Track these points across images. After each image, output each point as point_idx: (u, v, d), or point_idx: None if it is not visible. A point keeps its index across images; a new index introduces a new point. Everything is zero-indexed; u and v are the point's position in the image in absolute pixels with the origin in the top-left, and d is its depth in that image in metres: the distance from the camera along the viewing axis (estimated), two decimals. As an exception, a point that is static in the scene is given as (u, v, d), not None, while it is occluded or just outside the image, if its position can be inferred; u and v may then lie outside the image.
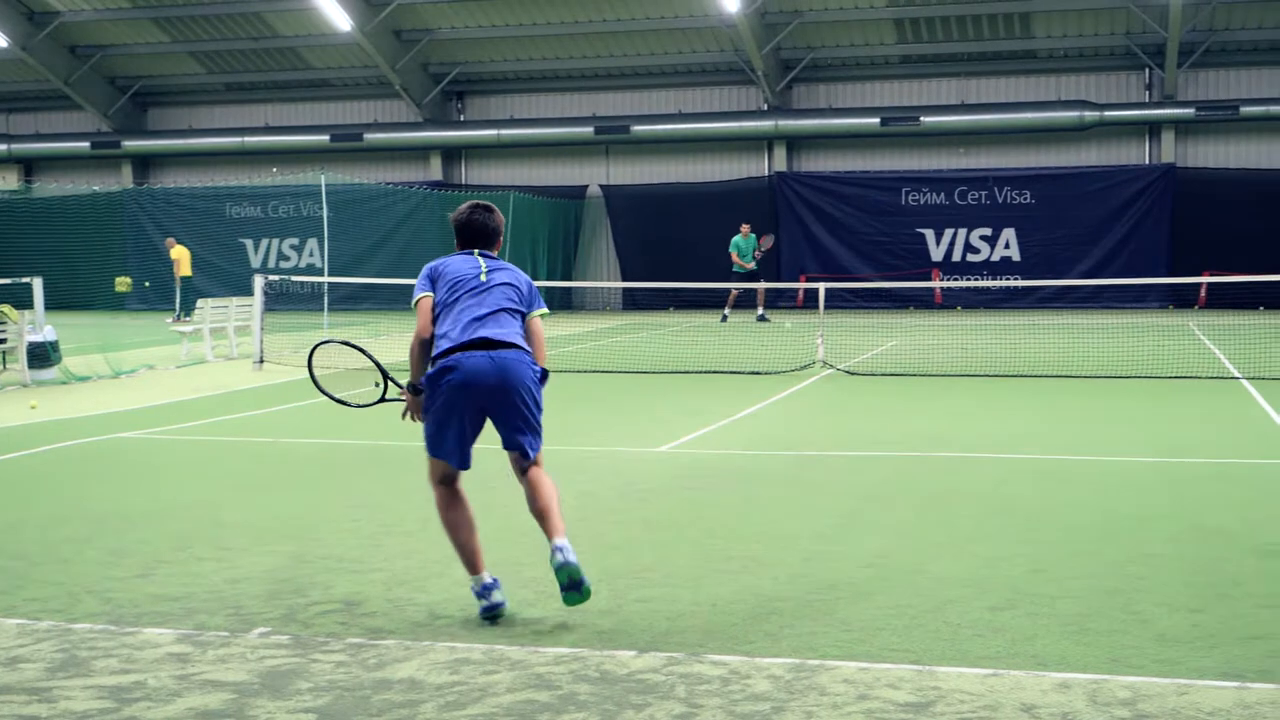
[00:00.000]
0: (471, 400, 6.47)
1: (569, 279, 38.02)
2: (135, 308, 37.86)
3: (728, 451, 11.74)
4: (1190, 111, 34.62)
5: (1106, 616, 6.31)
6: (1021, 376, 17.93)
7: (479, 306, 6.58)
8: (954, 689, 5.27)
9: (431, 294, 6.67)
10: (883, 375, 18.28)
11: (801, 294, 35.51)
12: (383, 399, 7.35)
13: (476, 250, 6.84)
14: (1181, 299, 34.39)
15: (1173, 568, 7.26)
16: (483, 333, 6.50)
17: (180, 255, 33.11)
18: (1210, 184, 34.53)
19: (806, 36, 36.22)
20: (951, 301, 36.03)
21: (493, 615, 6.35)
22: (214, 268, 37.65)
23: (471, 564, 6.49)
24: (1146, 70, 35.64)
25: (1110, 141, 36.15)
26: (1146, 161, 35.86)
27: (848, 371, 18.52)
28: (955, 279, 35.65)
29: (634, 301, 38.12)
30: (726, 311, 30.17)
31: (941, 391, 16.43)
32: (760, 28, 34.98)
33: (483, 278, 6.69)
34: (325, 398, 7.46)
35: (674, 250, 36.61)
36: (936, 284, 34.14)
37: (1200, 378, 17.37)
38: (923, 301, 35.88)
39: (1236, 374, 17.66)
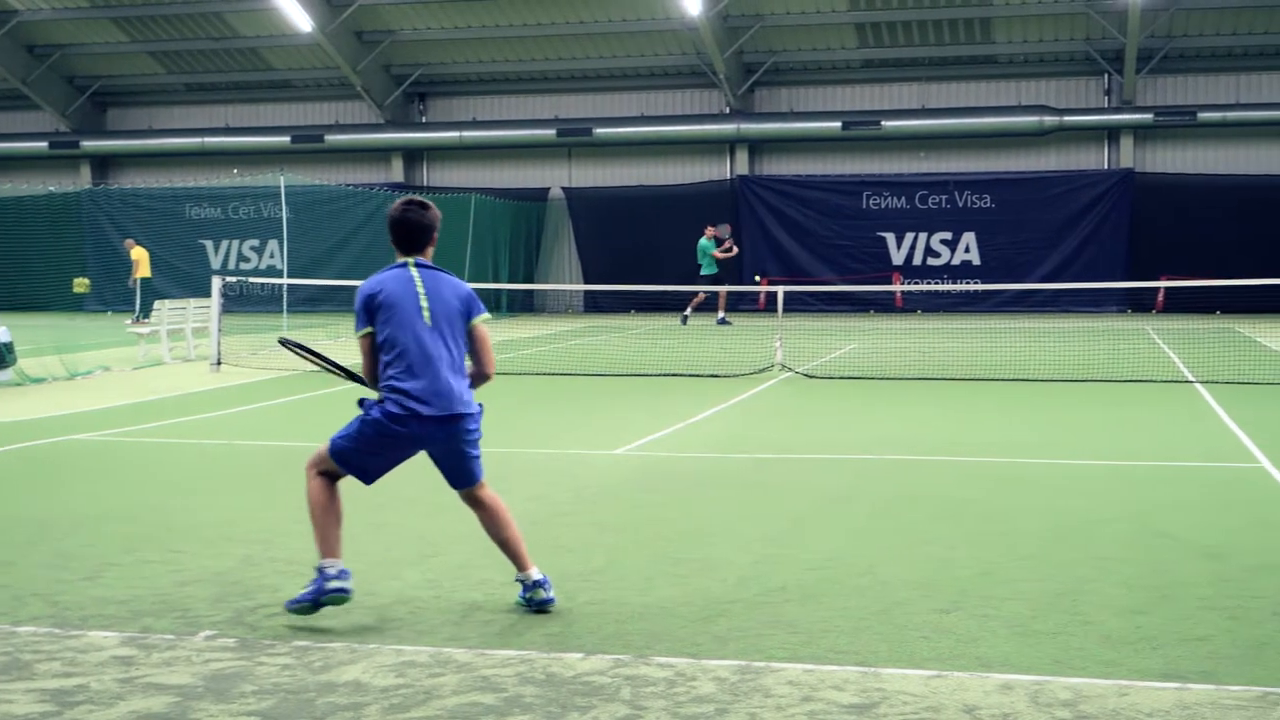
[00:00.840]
0: (415, 448, 6.53)
1: (530, 281, 37.99)
2: (93, 309, 37.63)
3: (683, 454, 11.76)
4: (1149, 117, 34.91)
5: (1052, 618, 6.35)
6: (979, 380, 18.02)
7: (423, 348, 6.40)
8: (898, 690, 5.29)
9: (371, 330, 6.50)
10: (841, 379, 18.34)
11: (763, 297, 35.57)
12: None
13: (412, 260, 6.59)
14: (1139, 303, 34.65)
15: (1120, 570, 7.31)
16: (432, 385, 6.36)
17: (140, 256, 32.94)
18: (1168, 189, 34.83)
19: (768, 40, 36.32)
20: (912, 305, 36.17)
21: (338, 600, 6.29)
22: (173, 269, 37.45)
23: (332, 548, 6.42)
24: (1106, 76, 35.91)
25: (1069, 146, 36.41)
26: (1105, 166, 36.14)
27: (806, 375, 18.57)
28: (916, 283, 35.82)
29: (595, 304, 38.13)
30: (688, 313, 30.16)
31: (899, 395, 16.50)
32: (722, 31, 35.06)
33: (423, 305, 6.46)
34: (325, 365, 7.05)
35: (636, 253, 36.64)
36: (897, 287, 34.29)
37: (1155, 381, 17.50)
38: (883, 305, 36.03)
39: (1191, 378, 17.80)
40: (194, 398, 16.56)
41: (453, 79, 39.84)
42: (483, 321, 6.63)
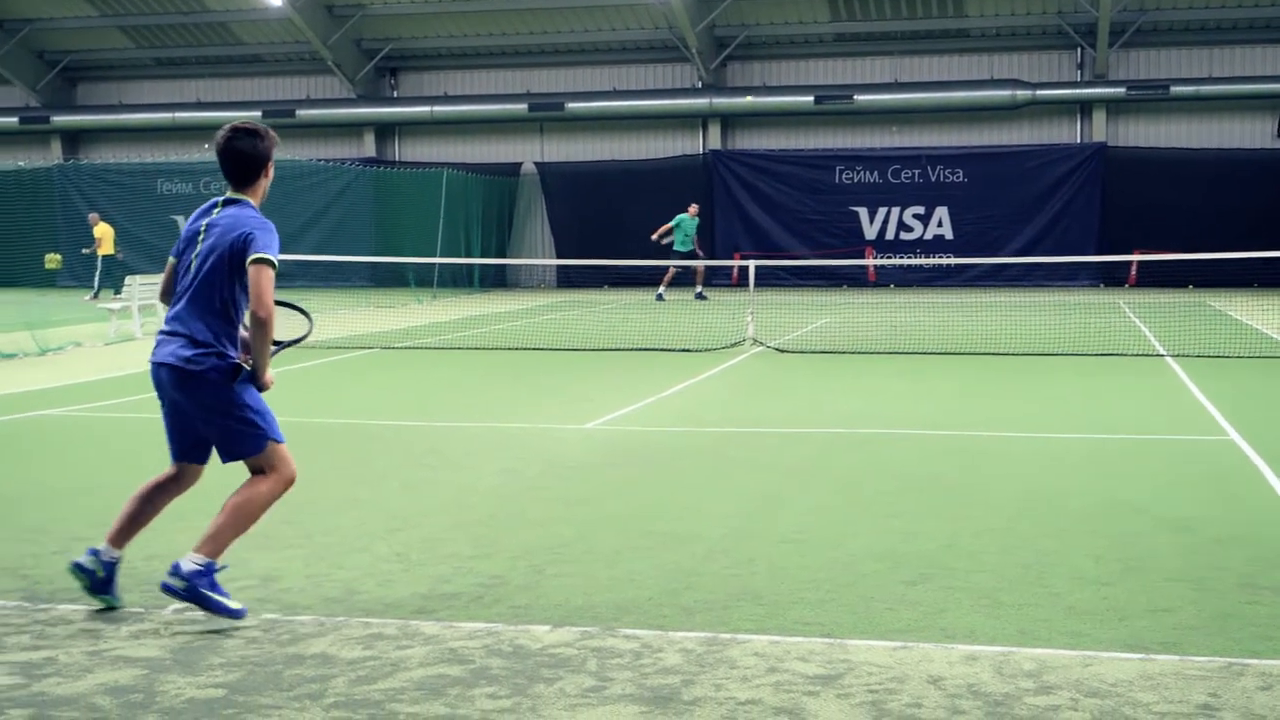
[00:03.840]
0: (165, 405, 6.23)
1: (503, 256, 37.92)
2: (66, 284, 37.38)
3: (653, 429, 11.78)
4: (1121, 91, 34.99)
5: (1018, 590, 6.39)
6: (951, 354, 18.08)
7: (180, 288, 6.09)
8: (863, 661, 5.32)
9: (172, 259, 6.19)
10: (813, 353, 18.38)
11: (736, 272, 35.58)
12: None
13: (221, 198, 6.14)
14: (1112, 277, 34.77)
15: (1086, 542, 7.36)
16: (165, 327, 6.09)
17: (104, 234, 32.61)
18: (1141, 163, 34.93)
19: (741, 14, 36.24)
20: (885, 279, 36.24)
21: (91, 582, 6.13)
22: (144, 244, 37.22)
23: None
24: (1078, 50, 35.96)
25: (1042, 120, 36.47)
26: (1078, 140, 36.21)
27: (778, 349, 18.60)
28: (889, 257, 35.85)
29: (568, 279, 38.06)
30: (662, 290, 30.13)
31: (870, 369, 16.55)
32: (694, 5, 34.97)
33: (198, 247, 6.01)
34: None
35: (608, 228, 36.54)
36: (869, 262, 34.33)
37: (1127, 355, 17.59)
38: (856, 279, 36.07)
39: (1163, 351, 17.89)
40: (164, 373, 16.47)
41: (424, 53, 39.66)
42: (257, 260, 5.88)
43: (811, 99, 36.22)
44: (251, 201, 6.12)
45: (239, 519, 5.99)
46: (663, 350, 18.55)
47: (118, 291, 30.52)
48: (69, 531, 7.70)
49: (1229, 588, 6.44)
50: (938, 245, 36.33)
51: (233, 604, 5.89)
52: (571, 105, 37.53)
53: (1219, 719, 4.71)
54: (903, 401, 13.58)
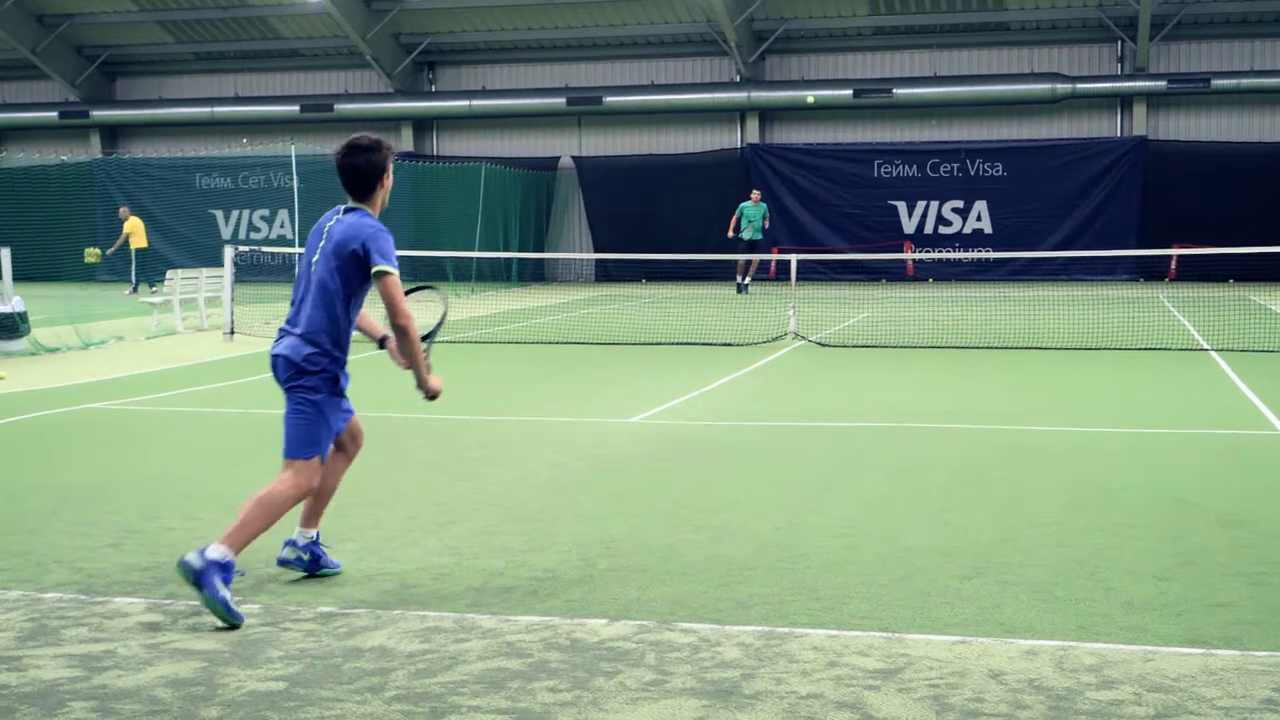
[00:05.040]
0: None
1: (541, 250, 37.96)
2: (105, 279, 37.60)
3: (699, 423, 11.76)
4: (1162, 84, 34.74)
5: (1073, 584, 6.35)
6: (992, 348, 18.00)
7: (299, 292, 6.38)
8: (922, 655, 5.30)
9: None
10: (854, 347, 18.33)
11: (774, 265, 35.51)
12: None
13: (344, 206, 6.41)
14: (1151, 271, 34.55)
15: (1140, 537, 7.31)
16: (285, 325, 6.41)
17: (134, 227, 32.71)
18: (1181, 157, 34.66)
19: (779, 8, 36.16)
20: (923, 274, 36.09)
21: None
22: (184, 239, 37.48)
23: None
24: (1119, 43, 35.72)
25: (1082, 114, 36.26)
26: (1118, 134, 35.98)
27: (819, 343, 18.56)
28: (927, 251, 35.73)
29: (606, 273, 38.08)
30: (743, 281, 30.31)
31: (913, 363, 16.49)
32: (733, -1, 34.92)
33: (315, 256, 6.32)
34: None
35: (646, 222, 36.56)
36: (908, 256, 34.20)
37: (1170, 349, 17.47)
38: (895, 274, 35.95)
39: (1206, 346, 17.77)
40: (208, 367, 16.59)
41: (462, 48, 39.73)
42: (381, 273, 6.17)
43: (850, 92, 36.10)
44: (369, 211, 6.36)
45: (259, 516, 6.10)
46: (704, 344, 18.53)
47: (152, 285, 30.79)
48: (121, 524, 7.75)
49: (1287, 583, 6.39)
50: (977, 239, 36.16)
51: (235, 608, 5.81)
52: (609, 99, 37.53)
53: (1285, 715, 4.67)
54: (947, 395, 13.52)
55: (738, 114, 37.84)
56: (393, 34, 38.92)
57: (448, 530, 7.56)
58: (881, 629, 5.66)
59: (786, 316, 19.84)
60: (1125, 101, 35.81)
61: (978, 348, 18.08)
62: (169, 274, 23.04)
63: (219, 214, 39.92)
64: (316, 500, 6.56)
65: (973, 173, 36.10)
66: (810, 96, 14.55)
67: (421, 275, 35.11)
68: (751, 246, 30.39)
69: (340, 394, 6.35)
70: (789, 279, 20.87)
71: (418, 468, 9.56)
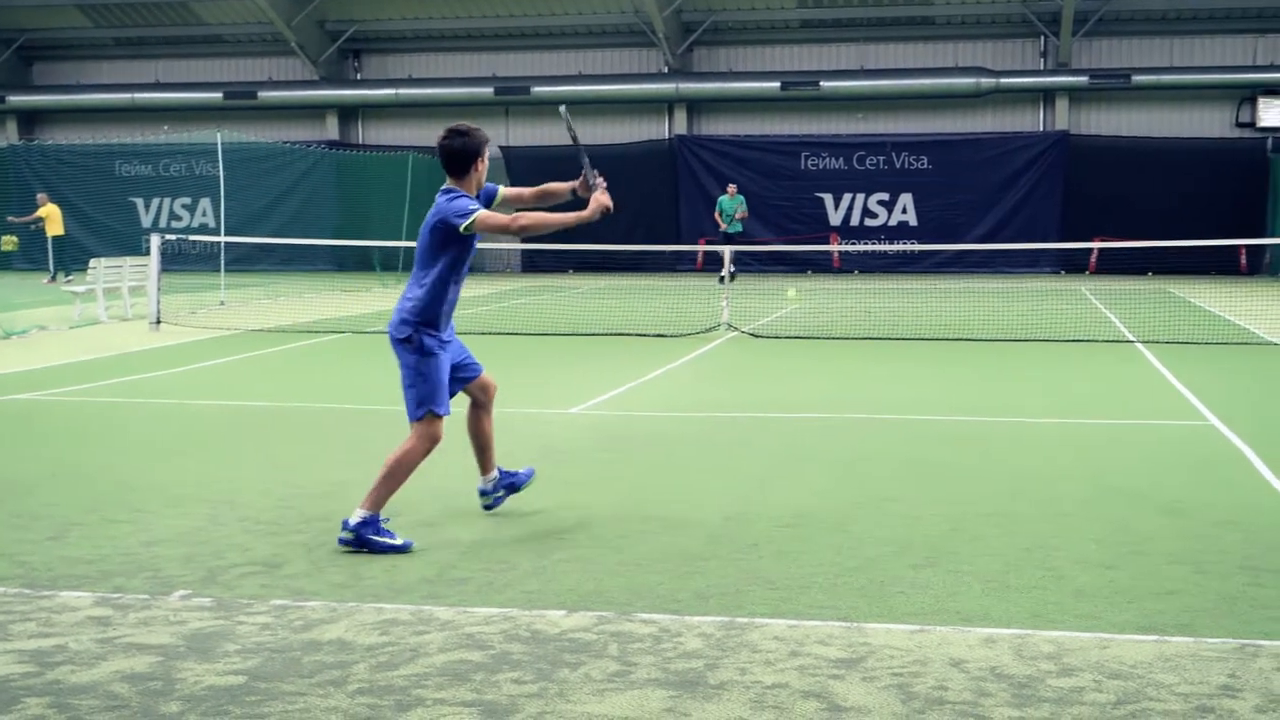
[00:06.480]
0: None
1: (468, 241, 37.66)
2: (21, 267, 36.93)
3: (639, 414, 11.76)
4: (1084, 79, 35.20)
5: (1025, 573, 6.41)
6: (924, 340, 18.14)
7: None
8: (883, 645, 5.33)
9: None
10: (787, 338, 18.40)
11: (701, 257, 35.60)
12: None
13: (443, 186, 7.11)
14: (1073, 264, 34.98)
15: (1084, 526, 7.39)
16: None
17: (50, 213, 32.09)
18: (1102, 151, 35.14)
19: (708, 0, 36.20)
20: (849, 265, 36.33)
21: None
22: (103, 227, 36.89)
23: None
24: (1042, 38, 36.14)
25: (1005, 108, 36.64)
26: (1041, 128, 36.41)
27: (752, 334, 18.61)
28: (853, 243, 35.95)
29: (533, 264, 37.95)
30: (727, 271, 30.45)
31: (845, 354, 16.59)
32: (661, -10, 34.91)
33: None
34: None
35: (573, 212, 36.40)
36: (834, 248, 34.40)
37: (1097, 341, 17.70)
38: (821, 265, 36.15)
39: (1131, 338, 18.02)
40: (137, 357, 16.35)
41: (388, 35, 39.43)
42: (468, 227, 6.91)
43: (778, 85, 36.24)
44: (461, 189, 7.05)
45: (388, 477, 6.93)
46: (638, 335, 18.53)
47: (69, 273, 30.29)
48: (62, 516, 7.61)
49: (1231, 570, 6.49)
50: (902, 231, 36.44)
51: (397, 541, 6.83)
52: (537, 89, 37.41)
53: (1242, 700, 4.74)
54: (882, 386, 13.61)
55: (665, 105, 37.86)
56: (318, 21, 38.54)
57: (396, 523, 7.46)
58: (840, 618, 5.69)
59: (719, 308, 19.87)
60: (1048, 96, 36.25)
61: (909, 339, 18.22)
62: (92, 262, 22.64)
63: (139, 202, 39.36)
64: (480, 451, 7.48)
65: (898, 165, 36.37)
66: (792, 290, 14.95)
67: (349, 265, 34.91)
68: (730, 239, 30.58)
69: (430, 353, 6.98)
70: (716, 270, 20.89)
71: (360, 459, 9.46)
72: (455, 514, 7.69)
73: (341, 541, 6.81)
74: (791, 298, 17.16)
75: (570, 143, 7.51)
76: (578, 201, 7.32)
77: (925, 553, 6.79)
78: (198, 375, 14.62)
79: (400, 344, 7.04)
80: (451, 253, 7.01)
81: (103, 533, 7.24)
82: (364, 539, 6.78)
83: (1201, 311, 22.55)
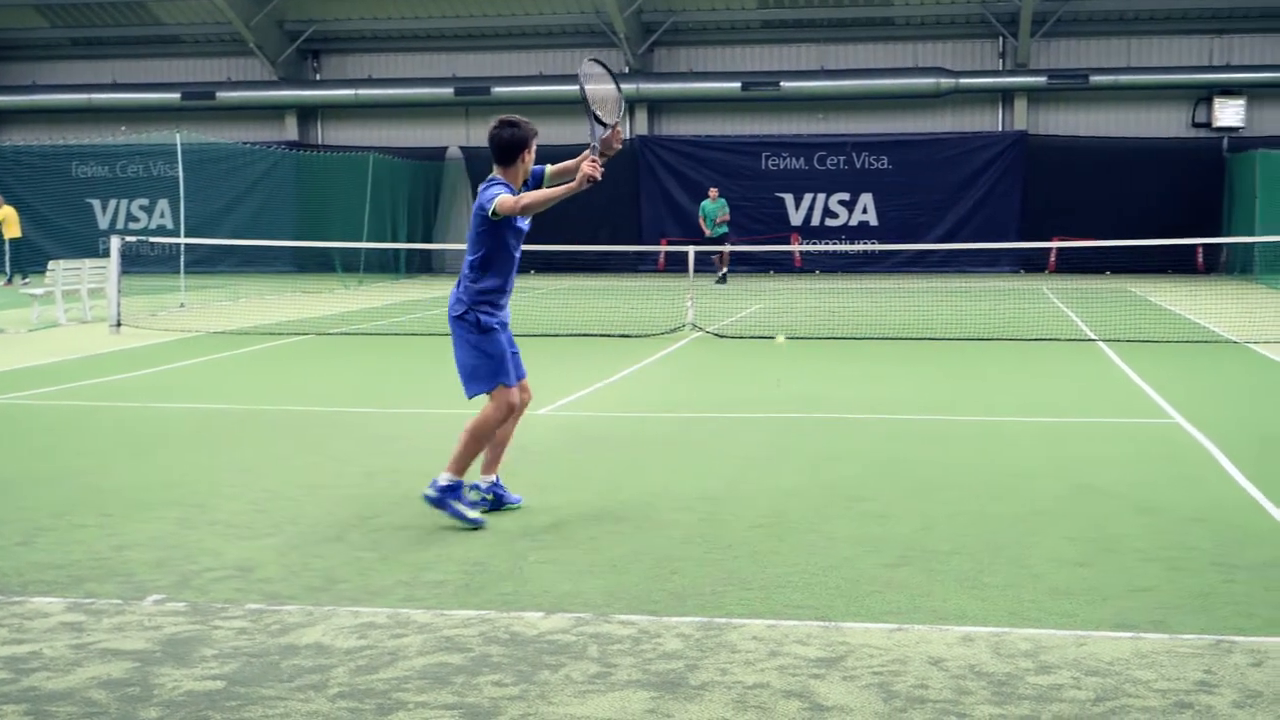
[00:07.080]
0: None
1: (429, 241, 37.64)
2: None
3: (609, 414, 11.76)
4: (1042, 80, 35.43)
5: (999, 571, 6.44)
6: (888, 339, 18.21)
7: None
8: (862, 644, 5.34)
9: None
10: (752, 338, 18.43)
11: (662, 257, 35.61)
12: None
13: (490, 175, 7.46)
14: (1032, 263, 35.21)
15: (1057, 524, 7.43)
16: None
17: (7, 215, 31.80)
18: (1060, 151, 35.40)
19: (668, 0, 36.21)
20: (810, 265, 36.43)
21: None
22: (59, 228, 36.56)
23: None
24: (1001, 39, 36.33)
25: (965, 109, 36.83)
26: (1000, 128, 36.62)
27: (716, 334, 18.63)
28: (814, 243, 36.05)
29: (495, 265, 37.76)
30: (720, 273, 31.06)
31: (811, 354, 16.62)
32: (622, -10, 34.89)
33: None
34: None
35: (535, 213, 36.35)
36: (795, 248, 34.49)
37: (1060, 340, 17.81)
38: (782, 265, 36.24)
39: (1093, 336, 18.14)
40: (98, 360, 16.22)
41: (347, 36, 39.27)
42: (495, 210, 7.26)
43: (738, 85, 36.31)
44: (505, 179, 7.41)
45: (470, 442, 7.38)
46: (603, 336, 18.52)
47: (26, 276, 30.01)
48: (29, 521, 7.54)
49: (1202, 566, 6.54)
50: (862, 231, 36.58)
51: (472, 514, 7.29)
52: (497, 89, 37.34)
53: (1219, 695, 4.78)
54: (849, 386, 13.65)
55: (626, 105, 37.77)
56: (276, 21, 38.34)
57: (369, 524, 7.47)
58: (818, 618, 5.70)
59: (684, 308, 19.89)
60: (1007, 96, 36.47)
61: (873, 339, 18.28)
62: (51, 264, 22.41)
63: (96, 203, 39.06)
64: (493, 450, 7.65)
65: (859, 165, 36.51)
66: (780, 337, 15.06)
67: (310, 267, 34.74)
68: (717, 241, 30.70)
69: (488, 329, 7.38)
70: (681, 270, 20.91)
71: (330, 461, 9.43)
72: (428, 515, 7.65)
73: (425, 498, 7.33)
74: (779, 344, 17.32)
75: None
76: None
77: (899, 551, 6.81)
78: (162, 378, 14.51)
79: (457, 320, 7.44)
80: (493, 236, 7.37)
81: (71, 537, 7.18)
82: (445, 502, 7.26)
83: (1160, 310, 22.74)
